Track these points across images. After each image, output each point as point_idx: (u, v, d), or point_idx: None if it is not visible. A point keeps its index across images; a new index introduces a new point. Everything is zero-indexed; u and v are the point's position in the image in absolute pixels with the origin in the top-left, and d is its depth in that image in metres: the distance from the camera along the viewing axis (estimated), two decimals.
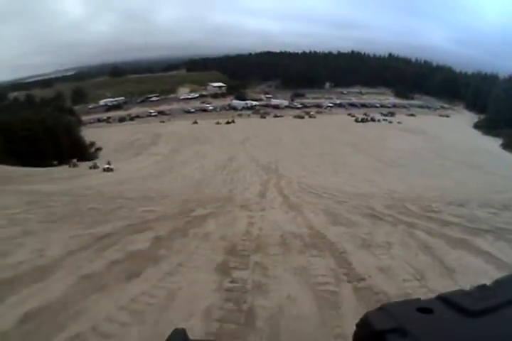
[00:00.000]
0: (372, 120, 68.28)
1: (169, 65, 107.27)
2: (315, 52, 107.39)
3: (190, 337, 0.48)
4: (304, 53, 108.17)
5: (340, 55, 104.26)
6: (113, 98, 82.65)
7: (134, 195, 11.23)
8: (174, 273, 3.75)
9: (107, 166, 27.94)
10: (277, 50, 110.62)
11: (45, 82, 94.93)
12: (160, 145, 48.15)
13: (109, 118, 73.42)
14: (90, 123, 69.06)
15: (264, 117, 71.58)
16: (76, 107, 73.80)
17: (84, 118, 69.21)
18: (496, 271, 3.68)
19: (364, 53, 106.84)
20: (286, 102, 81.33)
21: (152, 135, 55.40)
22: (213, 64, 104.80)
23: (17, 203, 8.11)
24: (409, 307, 0.45)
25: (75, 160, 34.27)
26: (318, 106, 79.58)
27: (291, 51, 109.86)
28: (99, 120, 72.51)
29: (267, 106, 79.26)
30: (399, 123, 66.29)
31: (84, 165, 31.76)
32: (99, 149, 47.11)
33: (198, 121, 66.52)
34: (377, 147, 43.41)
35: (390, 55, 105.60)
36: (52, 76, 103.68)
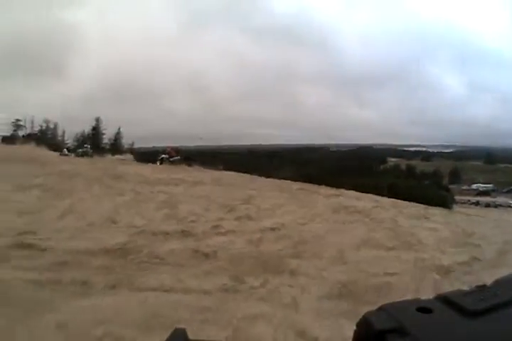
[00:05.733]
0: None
1: None
2: None
3: (190, 337, 0.49)
4: None
5: None
6: (483, 184, 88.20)
7: None
8: None
9: None
10: None
11: (425, 155, 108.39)
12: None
13: (477, 202, 79.91)
14: (462, 203, 77.72)
15: None
16: (451, 186, 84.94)
17: (456, 197, 78.67)
18: None
19: None
20: None
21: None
22: None
23: None
24: (408, 307, 0.45)
25: None
26: None
27: None
28: (469, 202, 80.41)
29: None
30: None
31: None
32: None
33: None
34: None
35: None
36: (430, 150, 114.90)
